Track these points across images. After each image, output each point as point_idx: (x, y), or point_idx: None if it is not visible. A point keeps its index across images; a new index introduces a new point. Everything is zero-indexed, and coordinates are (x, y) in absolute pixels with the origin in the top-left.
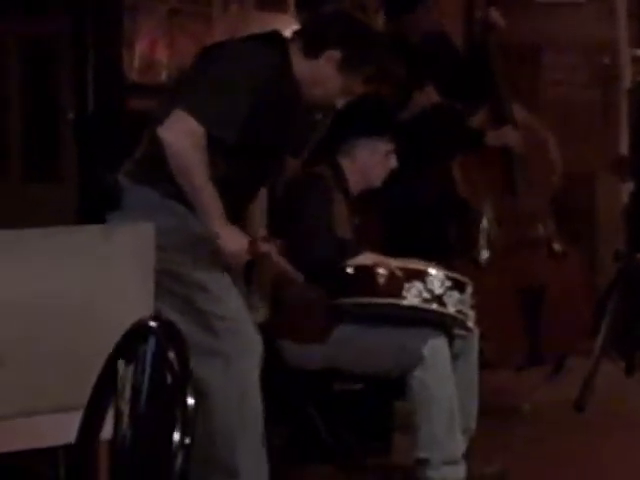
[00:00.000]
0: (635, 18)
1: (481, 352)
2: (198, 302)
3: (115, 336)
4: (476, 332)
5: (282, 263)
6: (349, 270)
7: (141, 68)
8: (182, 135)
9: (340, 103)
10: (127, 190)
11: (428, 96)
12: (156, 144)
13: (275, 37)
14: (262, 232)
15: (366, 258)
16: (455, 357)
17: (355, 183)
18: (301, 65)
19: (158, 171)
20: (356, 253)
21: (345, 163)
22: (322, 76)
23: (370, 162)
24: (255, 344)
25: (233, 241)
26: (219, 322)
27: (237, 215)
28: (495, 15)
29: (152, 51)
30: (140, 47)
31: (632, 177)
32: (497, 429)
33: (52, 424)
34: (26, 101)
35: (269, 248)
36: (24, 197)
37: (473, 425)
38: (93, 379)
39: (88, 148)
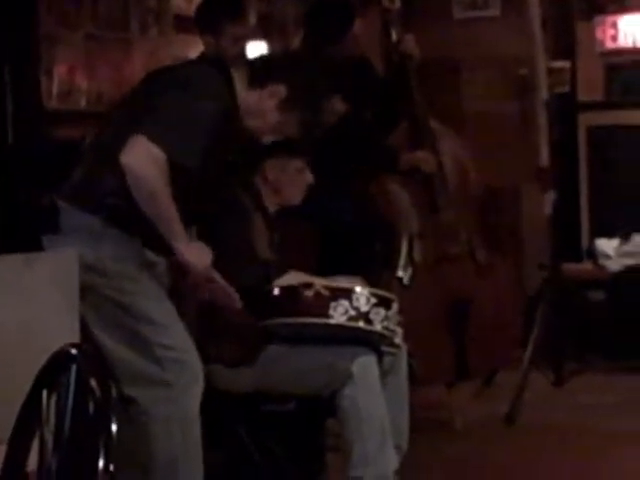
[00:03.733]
0: (550, 30)
1: (410, 368)
2: (143, 331)
3: (39, 366)
4: (404, 349)
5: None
6: (275, 291)
7: (60, 95)
8: (146, 162)
9: (268, 140)
10: (66, 213)
11: (334, 105)
12: (101, 169)
13: (219, 61)
14: None
15: (291, 278)
16: (384, 374)
17: (271, 202)
18: (243, 92)
19: (100, 197)
20: (281, 273)
21: (259, 183)
22: (261, 108)
23: (282, 181)
24: (199, 374)
25: (201, 258)
26: (164, 352)
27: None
28: (410, 45)
29: (71, 77)
30: (58, 74)
31: (553, 187)
32: (429, 445)
33: None
34: None
35: (216, 275)
36: None
37: (405, 442)
38: (15, 410)
39: (9, 177)
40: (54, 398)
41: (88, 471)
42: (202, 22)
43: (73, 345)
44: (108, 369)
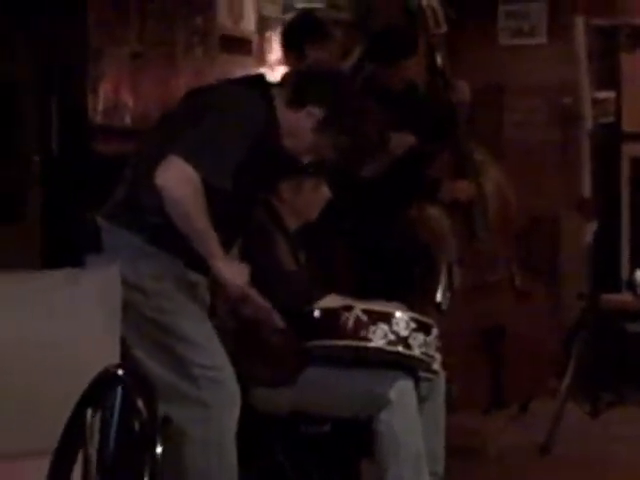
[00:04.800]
0: (595, 60)
1: (449, 394)
2: (180, 351)
3: (80, 380)
4: (442, 374)
5: (259, 300)
6: (315, 313)
7: (105, 111)
8: (181, 182)
9: (306, 160)
10: (107, 233)
11: (405, 139)
12: (139, 188)
13: (261, 82)
14: None
15: (331, 300)
16: (422, 400)
17: (291, 222)
18: (282, 111)
19: (141, 216)
20: (322, 295)
21: (276, 203)
22: (299, 129)
23: (298, 200)
24: (236, 395)
25: (239, 276)
26: (201, 371)
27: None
28: (463, 92)
29: (116, 94)
30: (104, 90)
31: (595, 217)
32: (463, 472)
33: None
34: None
35: (253, 292)
36: None
37: (441, 468)
38: (57, 423)
39: (53, 191)
40: (99, 417)
41: None
42: (286, 43)
43: (119, 366)
44: (153, 391)
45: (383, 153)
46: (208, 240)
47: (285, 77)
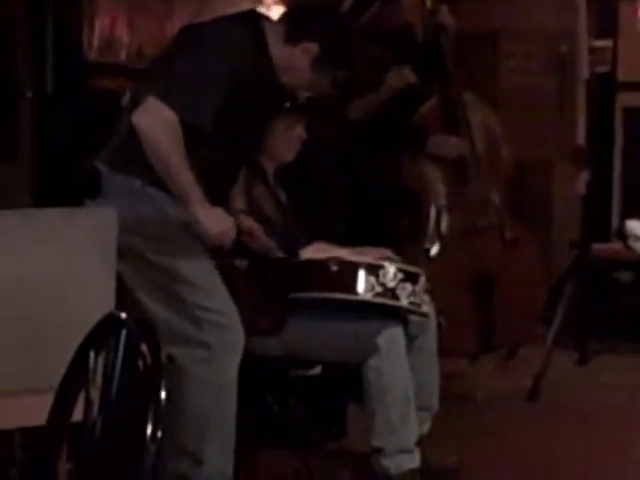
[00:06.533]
0: (593, 8)
1: (438, 324)
2: (181, 293)
3: (77, 319)
4: (432, 311)
5: (264, 237)
6: (300, 264)
7: (100, 47)
8: (156, 122)
9: (302, 95)
10: (106, 177)
11: (403, 77)
12: (133, 130)
13: (252, 16)
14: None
15: (317, 250)
16: (412, 338)
17: (266, 163)
18: (277, 47)
19: (138, 159)
20: (306, 243)
21: None
22: (294, 65)
23: (271, 139)
24: (240, 339)
25: (217, 222)
26: (203, 313)
27: (219, 200)
28: (444, 16)
29: (112, 30)
30: (100, 26)
31: (589, 167)
32: (451, 417)
33: (13, 406)
34: None
35: (252, 223)
36: None
37: (436, 404)
38: (57, 361)
39: (47, 128)
40: (102, 359)
41: (133, 433)
42: None
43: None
44: (157, 335)
45: (373, 93)
46: (184, 182)
47: (282, 15)
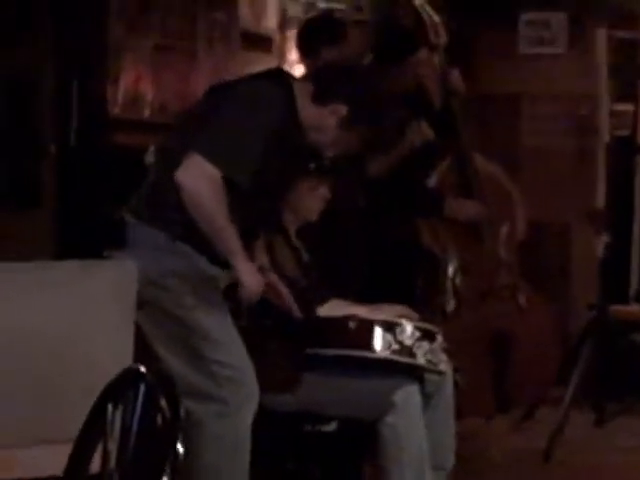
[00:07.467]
0: (614, 72)
1: (455, 382)
2: (199, 347)
3: (93, 371)
4: (449, 369)
5: (287, 294)
6: (319, 321)
7: (125, 103)
8: (200, 180)
9: (330, 154)
10: (132, 227)
11: (422, 131)
12: (163, 185)
13: (281, 75)
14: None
15: (334, 307)
16: (428, 397)
17: (290, 222)
18: (306, 107)
19: (165, 213)
20: (324, 300)
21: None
22: (323, 124)
23: (295, 200)
24: (254, 395)
25: (254, 278)
26: (219, 369)
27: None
28: (455, 80)
29: (136, 86)
30: (124, 82)
31: (607, 230)
32: (467, 476)
33: (30, 456)
34: (8, 133)
35: (276, 278)
36: (4, 229)
37: (451, 463)
38: (71, 413)
39: (70, 181)
40: (120, 412)
41: None
42: (301, 44)
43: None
44: (175, 390)
45: (394, 149)
46: (228, 238)
47: (307, 73)
